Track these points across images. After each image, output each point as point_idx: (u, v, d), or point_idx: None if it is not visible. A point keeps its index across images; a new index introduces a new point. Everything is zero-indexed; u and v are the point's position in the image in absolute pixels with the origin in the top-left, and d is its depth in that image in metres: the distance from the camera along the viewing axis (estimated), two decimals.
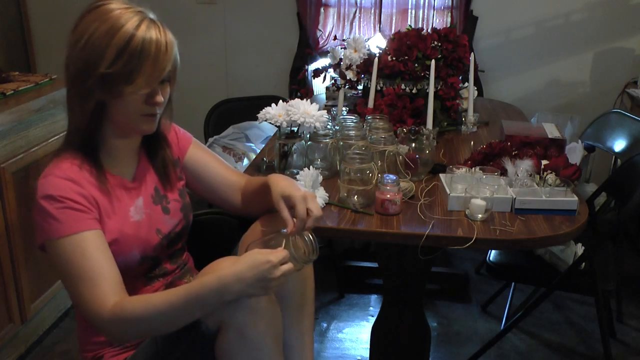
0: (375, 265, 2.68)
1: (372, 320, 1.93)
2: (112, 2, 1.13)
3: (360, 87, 2.27)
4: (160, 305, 1.06)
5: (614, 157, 2.71)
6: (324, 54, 3.20)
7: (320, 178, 1.54)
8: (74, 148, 1.17)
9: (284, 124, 1.63)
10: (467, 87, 2.27)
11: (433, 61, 1.98)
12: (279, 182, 1.27)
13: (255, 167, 1.76)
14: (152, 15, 1.15)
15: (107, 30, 1.09)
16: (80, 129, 1.16)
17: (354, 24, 3.19)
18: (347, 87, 2.25)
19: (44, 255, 1.14)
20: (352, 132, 1.72)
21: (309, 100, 1.66)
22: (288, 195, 1.22)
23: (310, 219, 1.19)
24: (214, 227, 1.59)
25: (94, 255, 1.10)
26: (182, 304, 1.06)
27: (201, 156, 1.42)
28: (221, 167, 1.44)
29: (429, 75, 1.98)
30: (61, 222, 1.09)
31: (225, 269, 1.07)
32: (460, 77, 2.14)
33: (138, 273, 1.27)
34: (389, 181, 1.44)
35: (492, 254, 1.99)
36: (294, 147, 1.68)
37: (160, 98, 1.15)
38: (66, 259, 1.09)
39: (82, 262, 1.09)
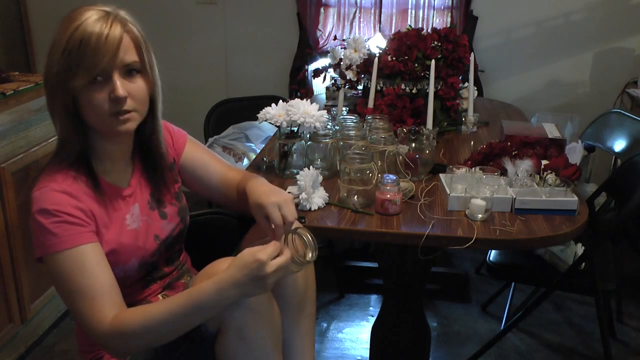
0: (375, 265, 2.68)
1: (372, 320, 1.93)
2: (86, 6, 1.11)
3: (360, 87, 2.27)
4: (159, 315, 1.05)
5: (614, 157, 2.71)
6: (324, 54, 3.20)
7: (320, 178, 1.54)
8: (66, 159, 1.14)
9: (284, 124, 1.63)
10: (467, 87, 2.27)
11: (433, 61, 1.98)
12: (254, 191, 1.24)
13: (255, 167, 1.76)
14: (120, 12, 1.12)
15: (58, 35, 1.09)
16: (68, 140, 1.14)
17: (354, 24, 3.19)
18: (347, 87, 2.25)
19: None
20: (352, 132, 1.71)
21: (309, 100, 1.66)
22: (260, 204, 1.20)
23: (287, 224, 1.17)
24: (213, 227, 1.58)
25: (92, 269, 1.09)
26: (182, 312, 1.05)
27: (198, 155, 1.40)
28: (218, 164, 1.42)
29: (429, 75, 1.98)
30: (58, 237, 1.08)
31: (222, 274, 1.06)
32: (460, 77, 2.14)
33: (136, 278, 1.27)
34: (389, 181, 1.44)
35: (492, 254, 1.99)
36: (294, 147, 1.68)
37: (119, 91, 1.09)
38: (64, 273, 1.08)
39: (81, 276, 1.08)
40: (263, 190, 1.24)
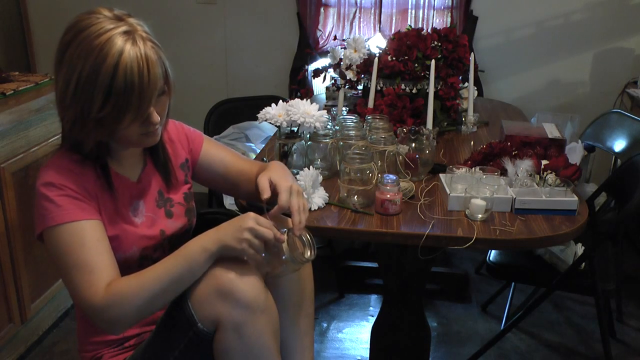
0: (375, 265, 2.68)
1: (372, 320, 1.93)
2: (95, 19, 1.07)
3: (360, 87, 2.27)
4: (153, 274, 1.08)
5: (614, 157, 2.71)
6: (324, 54, 3.20)
7: (320, 178, 1.54)
8: (76, 151, 1.16)
9: (284, 124, 1.63)
10: (467, 87, 2.27)
11: (433, 61, 1.98)
12: (272, 169, 1.28)
13: None
14: (138, 29, 1.09)
15: (91, 68, 1.04)
16: (83, 144, 1.14)
17: (354, 24, 3.19)
18: (347, 87, 2.25)
19: (44, 254, 1.14)
20: (352, 132, 1.72)
21: (309, 100, 1.66)
22: (275, 181, 1.22)
23: (294, 212, 1.18)
24: (215, 227, 1.58)
25: (92, 244, 1.09)
26: (172, 266, 1.09)
27: (215, 153, 1.41)
28: (236, 160, 1.43)
29: (429, 75, 1.98)
30: (60, 209, 1.09)
31: None
32: (460, 77, 2.14)
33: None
34: (389, 181, 1.44)
35: (492, 254, 1.99)
36: (294, 147, 1.68)
37: (155, 118, 1.12)
38: (64, 247, 1.09)
39: (80, 250, 1.08)
40: (281, 172, 1.27)
